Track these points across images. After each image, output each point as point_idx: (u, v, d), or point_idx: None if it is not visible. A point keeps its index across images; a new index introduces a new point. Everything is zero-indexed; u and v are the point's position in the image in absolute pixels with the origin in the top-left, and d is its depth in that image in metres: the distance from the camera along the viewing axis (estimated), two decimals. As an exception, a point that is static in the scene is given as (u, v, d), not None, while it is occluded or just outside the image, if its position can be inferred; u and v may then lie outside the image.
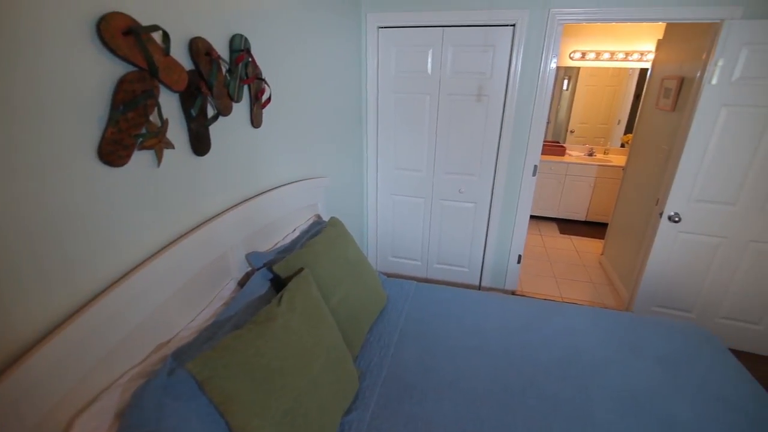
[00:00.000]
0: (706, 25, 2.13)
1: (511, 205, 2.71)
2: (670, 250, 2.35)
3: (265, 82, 1.47)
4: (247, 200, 1.45)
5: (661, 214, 2.31)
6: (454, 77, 2.52)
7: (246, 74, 1.35)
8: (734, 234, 2.22)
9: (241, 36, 1.32)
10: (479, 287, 3.01)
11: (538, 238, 4.06)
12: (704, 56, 2.07)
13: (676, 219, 2.25)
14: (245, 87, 1.38)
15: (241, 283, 1.42)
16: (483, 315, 1.75)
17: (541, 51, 2.32)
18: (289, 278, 1.34)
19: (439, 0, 2.36)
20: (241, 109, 1.38)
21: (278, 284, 1.40)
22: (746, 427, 1.22)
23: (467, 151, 2.67)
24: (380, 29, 2.52)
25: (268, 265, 1.43)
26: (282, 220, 1.71)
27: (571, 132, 4.58)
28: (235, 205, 1.39)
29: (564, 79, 4.39)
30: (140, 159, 0.99)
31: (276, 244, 1.65)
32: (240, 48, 1.31)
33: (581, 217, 4.38)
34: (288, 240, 1.70)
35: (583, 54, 4.19)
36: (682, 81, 2.43)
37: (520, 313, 1.77)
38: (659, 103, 2.73)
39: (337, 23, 2.15)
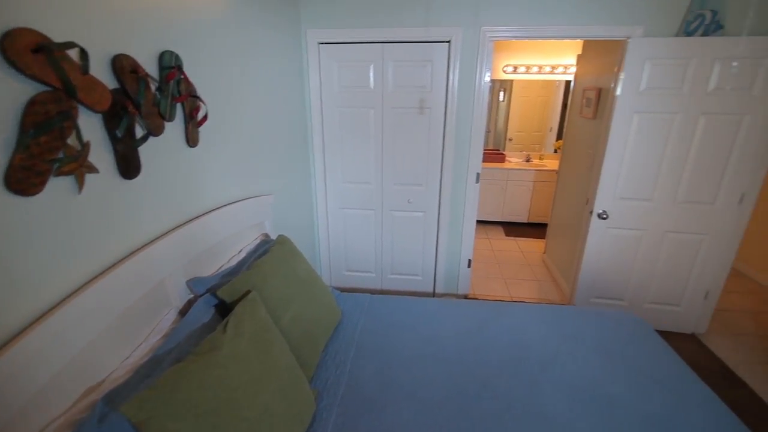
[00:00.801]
0: (616, 42, 2.38)
1: (458, 212, 2.81)
2: (601, 244, 2.56)
3: (200, 100, 1.41)
4: (186, 223, 1.37)
5: (591, 213, 2.51)
6: (396, 91, 2.58)
7: (179, 92, 1.30)
8: (653, 226, 2.46)
9: (172, 53, 1.26)
10: (433, 294, 3.07)
11: (486, 242, 4.23)
12: (616, 69, 2.31)
13: (604, 216, 2.46)
14: (178, 105, 1.32)
15: (183, 312, 1.33)
16: (437, 322, 1.78)
17: (475, 65, 2.46)
18: (236, 302, 1.28)
19: (377, 17, 2.43)
20: (174, 128, 1.32)
21: (224, 310, 1.33)
22: (673, 402, 1.34)
23: (413, 161, 2.74)
24: (321, 45, 2.53)
25: (212, 291, 1.36)
26: (226, 241, 1.64)
27: (510, 140, 4.88)
28: (173, 229, 1.31)
29: (500, 91, 4.68)
30: (58, 185, 0.90)
31: (220, 267, 1.58)
32: (170, 65, 1.25)
33: (524, 219, 4.64)
34: (234, 262, 1.63)
35: (515, 68, 4.49)
36: (600, 91, 2.69)
37: (471, 316, 1.82)
38: (582, 112, 2.99)
39: (276, 39, 2.13)
